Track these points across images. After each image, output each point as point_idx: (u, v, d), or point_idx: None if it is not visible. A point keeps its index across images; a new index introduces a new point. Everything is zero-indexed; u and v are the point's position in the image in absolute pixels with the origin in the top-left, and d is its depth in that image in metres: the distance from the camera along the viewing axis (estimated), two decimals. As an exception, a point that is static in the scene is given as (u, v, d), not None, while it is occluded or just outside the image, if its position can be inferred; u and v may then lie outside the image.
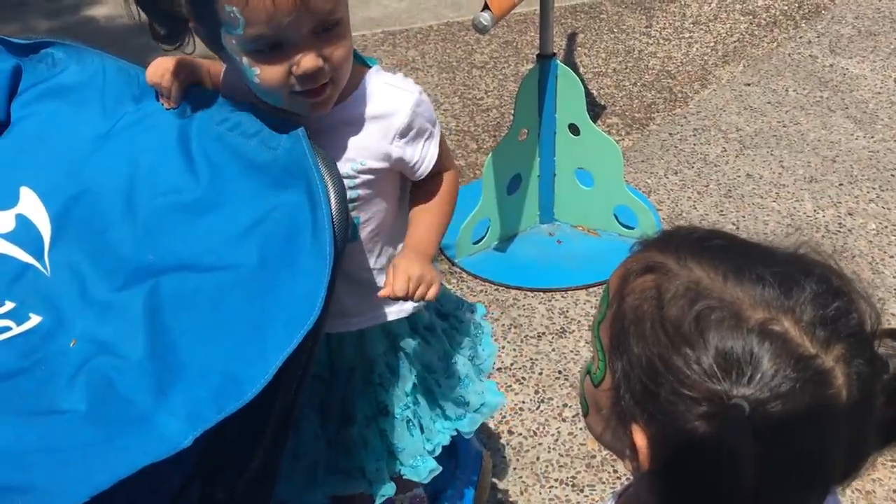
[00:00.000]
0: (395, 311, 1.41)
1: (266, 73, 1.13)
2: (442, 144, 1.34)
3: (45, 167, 1.27)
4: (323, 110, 1.20)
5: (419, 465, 1.48)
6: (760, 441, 0.67)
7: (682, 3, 4.00)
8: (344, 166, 1.25)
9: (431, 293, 1.24)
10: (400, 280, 1.21)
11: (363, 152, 1.27)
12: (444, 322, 1.52)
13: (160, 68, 1.25)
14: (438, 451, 1.50)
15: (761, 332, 0.68)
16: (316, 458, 1.44)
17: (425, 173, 1.33)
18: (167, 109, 1.25)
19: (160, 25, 1.18)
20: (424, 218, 1.35)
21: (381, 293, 1.23)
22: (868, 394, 0.70)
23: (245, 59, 1.14)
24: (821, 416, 0.68)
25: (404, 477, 1.49)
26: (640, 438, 0.73)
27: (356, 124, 1.26)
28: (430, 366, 1.47)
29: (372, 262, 1.38)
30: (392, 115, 1.26)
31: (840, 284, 0.72)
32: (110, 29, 3.93)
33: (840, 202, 2.75)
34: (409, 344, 1.44)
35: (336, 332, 1.41)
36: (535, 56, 2.50)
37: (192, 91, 1.24)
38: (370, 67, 1.30)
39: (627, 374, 0.73)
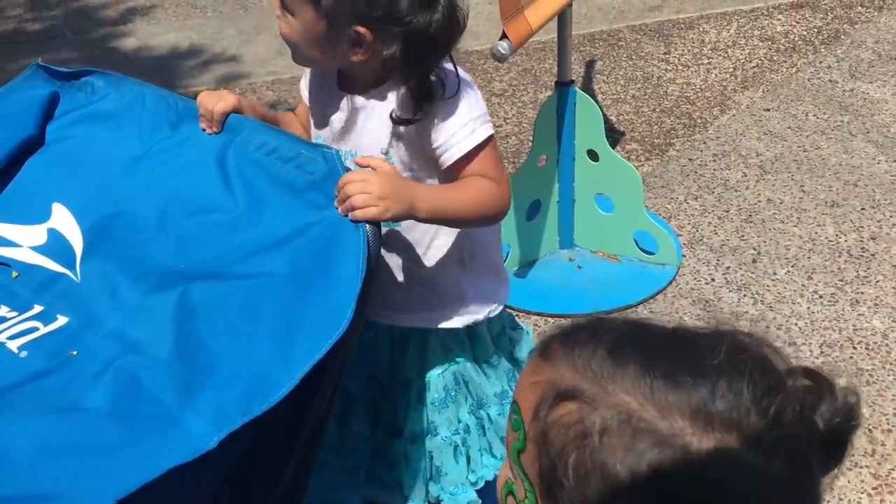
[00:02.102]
0: (451, 319, 1.40)
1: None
2: (491, 153, 1.31)
3: (79, 185, 1.30)
4: (296, 61, 1.30)
5: (459, 493, 1.46)
6: None
7: (701, 29, 4.01)
8: (382, 142, 1.29)
9: (358, 213, 1.13)
10: (349, 175, 1.16)
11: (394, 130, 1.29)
12: (512, 365, 1.51)
13: (213, 95, 1.31)
14: (481, 484, 1.47)
15: (718, 464, 0.63)
16: (361, 460, 1.44)
17: (451, 160, 1.28)
18: (207, 134, 1.29)
19: None
20: (447, 185, 1.31)
21: None
22: (811, 469, 0.67)
23: None
24: None
25: (441, 502, 1.47)
26: None
27: (391, 103, 1.29)
28: (485, 398, 1.46)
29: (421, 254, 1.37)
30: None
31: (770, 371, 0.67)
32: (136, 60, 4.00)
33: (862, 226, 2.74)
34: (469, 371, 1.44)
35: (399, 330, 1.41)
36: (553, 83, 2.52)
37: (232, 118, 1.28)
38: None
39: None
